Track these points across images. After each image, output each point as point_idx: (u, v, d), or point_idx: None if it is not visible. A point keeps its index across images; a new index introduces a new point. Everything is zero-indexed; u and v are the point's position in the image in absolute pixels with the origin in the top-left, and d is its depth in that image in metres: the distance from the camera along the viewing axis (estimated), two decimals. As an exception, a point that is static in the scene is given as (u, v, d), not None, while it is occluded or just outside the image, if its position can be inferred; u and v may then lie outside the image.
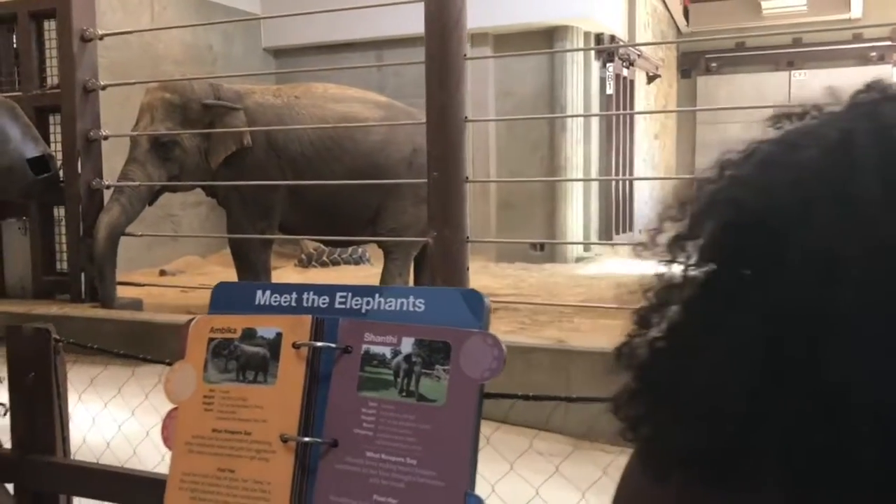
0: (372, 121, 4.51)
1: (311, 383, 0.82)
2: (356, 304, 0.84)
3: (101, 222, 4.15)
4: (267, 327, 0.85)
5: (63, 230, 4.36)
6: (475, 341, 0.78)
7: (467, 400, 0.75)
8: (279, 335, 0.84)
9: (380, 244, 4.84)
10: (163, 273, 6.93)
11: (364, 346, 0.80)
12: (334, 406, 0.80)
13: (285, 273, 6.91)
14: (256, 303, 0.89)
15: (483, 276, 6.28)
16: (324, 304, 0.86)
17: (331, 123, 4.40)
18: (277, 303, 0.88)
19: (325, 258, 7.24)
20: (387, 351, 0.79)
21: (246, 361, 0.85)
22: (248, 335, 0.86)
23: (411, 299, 0.81)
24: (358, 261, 7.29)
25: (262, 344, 0.85)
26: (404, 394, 0.78)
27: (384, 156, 4.56)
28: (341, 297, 0.86)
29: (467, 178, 3.38)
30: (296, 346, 0.83)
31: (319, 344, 0.82)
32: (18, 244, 4.37)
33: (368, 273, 6.72)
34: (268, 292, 0.89)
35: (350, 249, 7.11)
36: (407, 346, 0.79)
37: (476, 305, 0.81)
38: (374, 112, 4.62)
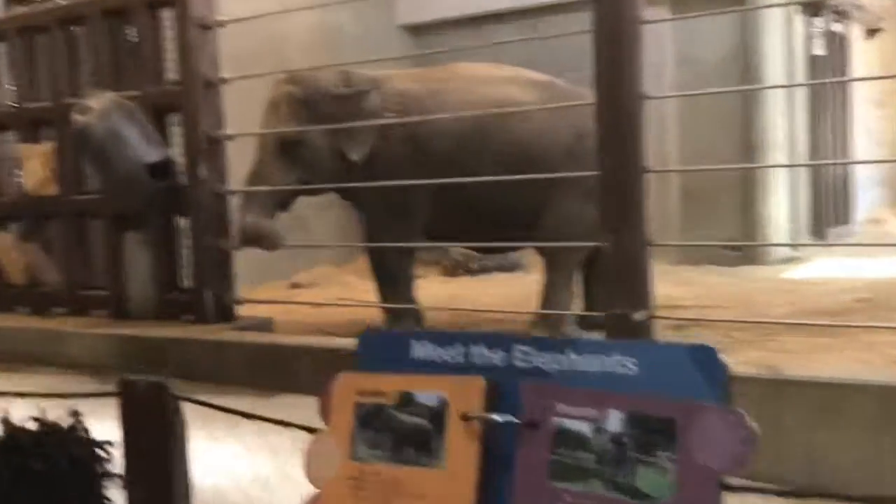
0: (530, 104, 4.45)
1: (486, 467, 0.72)
2: (541, 362, 0.74)
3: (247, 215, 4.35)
4: (428, 391, 0.76)
5: (186, 242, 4.51)
6: (712, 418, 0.66)
7: (703, 498, 0.64)
8: (443, 402, 0.76)
9: (539, 250, 4.77)
10: (295, 286, 7.13)
11: (555, 420, 0.70)
12: (518, 499, 0.70)
13: (429, 283, 6.95)
14: (413, 356, 0.80)
15: (664, 282, 6.03)
16: (499, 360, 0.76)
17: (482, 110, 4.36)
18: (440, 357, 0.79)
19: (473, 265, 7.29)
20: (586, 428, 0.69)
21: (402, 435, 0.77)
22: (405, 401, 0.78)
23: (617, 357, 0.70)
24: (512, 267, 7.29)
25: (421, 413, 0.77)
26: (612, 487, 0.68)
27: (542, 145, 4.48)
28: (522, 351, 0.76)
29: (646, 167, 3.22)
30: (465, 418, 0.74)
31: (496, 416, 0.73)
32: (139, 259, 4.56)
33: (524, 283, 6.65)
34: (427, 344, 0.81)
35: (501, 255, 7.10)
36: (615, 421, 0.69)
37: (710, 367, 0.69)
38: (532, 94, 4.55)
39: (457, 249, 7.22)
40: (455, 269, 7.35)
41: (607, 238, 3.20)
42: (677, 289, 5.85)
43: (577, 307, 4.72)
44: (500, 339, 0.78)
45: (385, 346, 0.83)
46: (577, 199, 4.44)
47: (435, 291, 6.42)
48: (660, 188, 6.65)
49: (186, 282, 4.53)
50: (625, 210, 3.19)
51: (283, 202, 4.56)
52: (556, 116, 4.48)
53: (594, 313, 4.35)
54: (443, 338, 0.82)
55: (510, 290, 6.35)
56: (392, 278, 4.63)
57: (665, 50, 6.83)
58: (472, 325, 4.98)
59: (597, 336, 3.74)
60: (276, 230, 4.44)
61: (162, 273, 4.54)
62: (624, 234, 3.18)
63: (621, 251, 3.18)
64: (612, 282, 3.23)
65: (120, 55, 4.65)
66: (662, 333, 4.16)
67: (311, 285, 7.23)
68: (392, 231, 4.56)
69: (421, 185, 4.37)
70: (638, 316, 3.13)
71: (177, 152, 4.48)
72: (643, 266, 3.18)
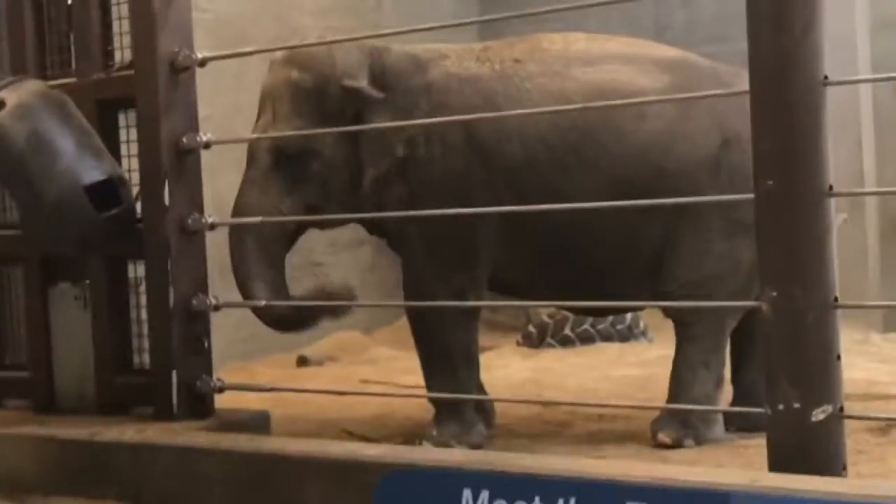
0: (652, 93, 4.44)
1: None
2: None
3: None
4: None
5: (143, 300, 4.50)
6: None
7: None
8: None
9: (667, 310, 4.74)
10: (303, 362, 7.19)
11: None
12: None
13: (502, 359, 6.97)
14: (462, 508, 0.72)
15: (859, 358, 6.00)
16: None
17: (578, 102, 4.38)
18: (504, 514, 0.70)
19: (568, 331, 7.35)
20: None
21: None
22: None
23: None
24: (626, 336, 7.37)
25: None
26: None
27: (672, 156, 4.49)
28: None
29: (831, 188, 3.13)
30: None
31: None
32: (75, 324, 4.54)
33: (645, 359, 6.61)
34: (484, 494, 0.73)
35: (611, 318, 7.15)
36: None
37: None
38: (656, 78, 4.56)
39: (544, 310, 7.27)
40: (541, 338, 7.41)
41: (769, 295, 3.11)
42: (881, 368, 5.74)
43: (725, 397, 4.67)
44: (604, 490, 0.70)
45: (418, 490, 0.76)
46: (724, 236, 4.47)
47: (511, 371, 6.44)
48: (850, 221, 6.54)
49: (142, 358, 4.51)
50: (796, 252, 3.10)
51: (285, 238, 4.62)
52: (693, 112, 4.49)
53: (750, 409, 4.26)
54: (510, 482, 0.74)
55: (623, 370, 6.37)
56: (445, 351, 4.64)
57: (856, 12, 6.75)
58: (564, 425, 4.97)
59: (756, 441, 3.63)
60: (343, 291, 4.70)
61: (107, 345, 4.51)
62: (795, 288, 3.08)
63: (791, 315, 3.09)
64: (776, 360, 3.13)
65: (49, 26, 4.68)
66: (857, 439, 4.04)
67: (326, 361, 7.31)
68: (445, 282, 4.58)
69: (486, 216, 4.37)
70: (819, 413, 3.04)
71: (130, 168, 4.49)
72: (826, 336, 3.08)
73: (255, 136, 4.58)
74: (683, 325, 4.61)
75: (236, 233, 4.57)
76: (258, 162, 4.56)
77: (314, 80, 4.55)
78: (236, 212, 4.58)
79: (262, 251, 4.55)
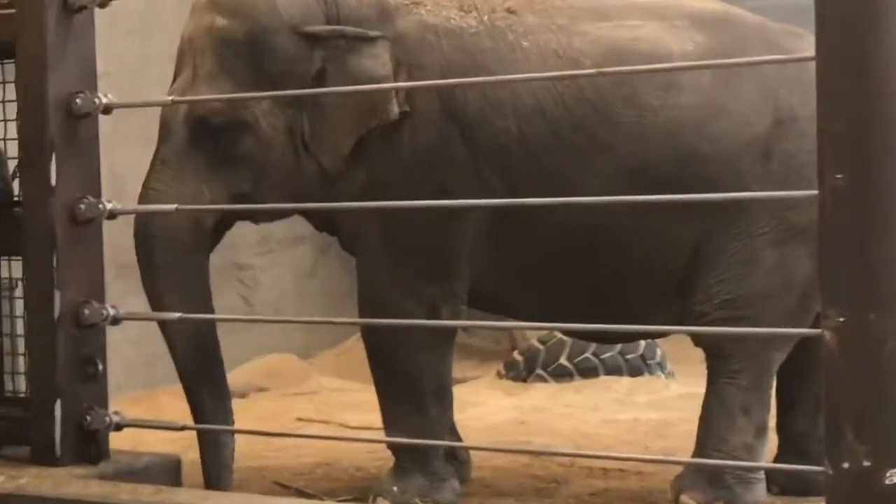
0: (683, 57, 4.46)
1: None
2: None
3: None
4: None
5: (18, 310, 4.47)
6: None
7: None
8: None
9: (697, 338, 4.75)
10: (223, 393, 7.13)
11: None
12: None
13: (480, 394, 6.97)
14: None
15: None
16: None
17: (589, 67, 4.39)
18: None
19: (564, 361, 7.36)
20: None
21: None
22: None
23: None
24: (638, 368, 7.41)
25: None
26: None
27: (708, 138, 4.50)
28: None
29: (918, 185, 3.12)
30: None
31: None
32: (-71, 338, 4.51)
33: (663, 398, 6.61)
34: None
35: (620, 347, 7.22)
36: None
37: None
38: (690, 38, 4.57)
39: (533, 332, 7.33)
40: (529, 369, 7.43)
41: (833, 320, 3.10)
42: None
43: (768, 450, 4.67)
44: None
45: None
46: (774, 242, 4.49)
47: (490, 411, 6.43)
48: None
49: (16, 384, 4.48)
50: (871, 265, 3.08)
51: (204, 234, 4.59)
52: (737, 84, 4.50)
53: (803, 467, 4.26)
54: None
55: (634, 412, 6.40)
56: (410, 384, 4.62)
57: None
58: (558, 482, 4.96)
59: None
60: None
61: (-31, 366, 4.48)
62: (868, 311, 3.07)
63: (862, 345, 3.07)
64: (841, 405, 3.12)
65: None
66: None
67: (252, 392, 7.29)
68: (413, 294, 4.57)
69: (468, 210, 4.40)
70: (895, 475, 3.03)
71: (6, 135, 4.46)
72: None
73: (169, 98, 4.50)
74: (719, 357, 4.61)
75: (143, 228, 4.53)
76: (173, 136, 4.51)
77: (247, 30, 4.48)
78: (143, 201, 4.54)
79: (174, 256, 4.53)
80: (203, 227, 4.54)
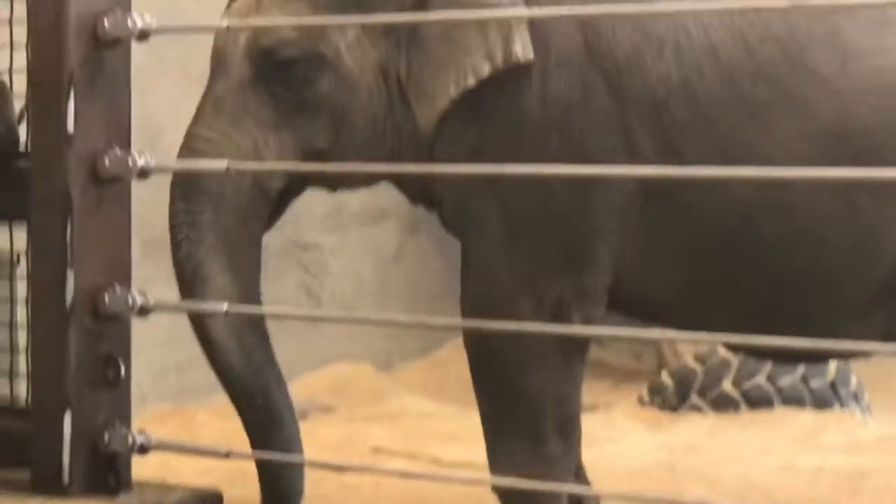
0: None
1: None
2: None
3: (198, 273, 4.41)
4: None
5: (20, 292, 4.52)
6: None
7: None
8: None
9: None
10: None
11: None
12: None
13: (615, 424, 6.96)
14: None
15: None
16: None
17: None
18: None
19: (728, 387, 7.35)
20: None
21: None
22: None
23: None
24: (827, 399, 7.34)
25: None
26: None
27: None
28: None
29: None
30: None
31: None
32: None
33: (862, 440, 6.58)
34: None
35: (803, 370, 7.17)
36: None
37: None
38: None
39: (688, 348, 7.38)
40: (682, 395, 7.42)
41: None
42: None
43: None
44: None
45: None
46: None
47: (630, 448, 6.43)
48: None
49: (16, 389, 4.54)
50: None
51: (267, 202, 4.61)
52: None
53: None
54: None
55: (822, 458, 6.34)
56: (527, 409, 4.63)
57: None
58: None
59: None
60: None
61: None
62: None
63: None
64: None
65: None
66: None
67: (315, 411, 7.36)
68: (535, 290, 4.57)
69: (613, 181, 4.42)
70: None
71: (11, 67, 4.52)
72: None
73: (224, 24, 4.52)
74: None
75: (183, 188, 4.52)
76: (230, 71, 4.48)
77: None
78: (187, 151, 4.51)
79: (225, 226, 4.52)
80: (266, 190, 4.54)
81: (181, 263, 4.54)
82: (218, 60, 4.55)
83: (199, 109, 4.55)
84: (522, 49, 4.36)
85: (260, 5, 4.47)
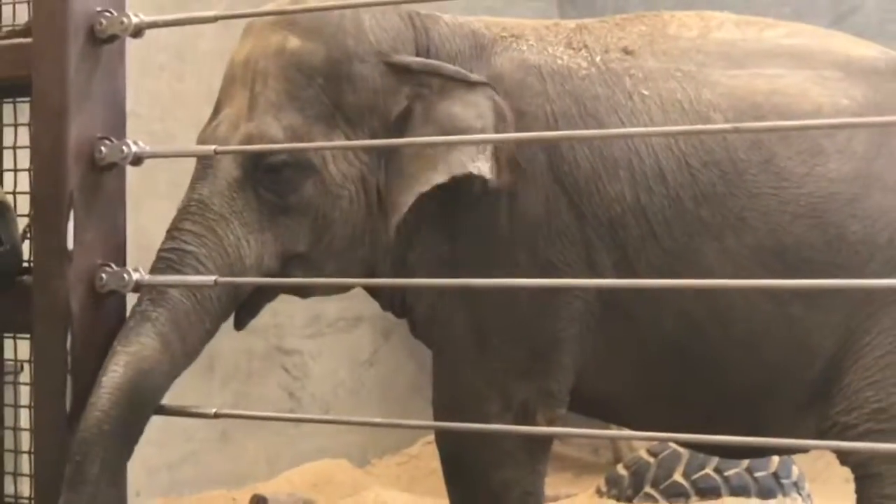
0: (835, 114, 4.45)
1: None
2: None
3: (110, 365, 4.26)
4: None
5: (24, 398, 4.49)
6: None
7: None
8: None
9: (843, 455, 4.72)
10: (260, 504, 7.14)
11: None
12: None
13: None
14: None
15: None
16: None
17: (721, 122, 4.41)
18: None
19: (679, 478, 7.35)
20: None
21: None
22: None
23: None
24: (770, 489, 7.35)
25: None
26: None
27: (860, 215, 4.49)
28: None
29: None
30: None
31: None
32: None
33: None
34: None
35: (748, 463, 7.19)
36: None
37: None
38: (843, 91, 4.56)
39: (642, 443, 7.37)
40: (636, 486, 7.40)
41: None
42: None
43: None
44: None
45: None
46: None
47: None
48: None
49: (18, 487, 4.49)
50: None
51: (239, 302, 4.47)
52: (896, 149, 4.50)
53: None
54: None
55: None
56: (492, 500, 4.62)
57: None
58: None
59: None
60: None
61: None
62: None
63: None
64: None
65: None
66: None
67: (299, 504, 7.26)
68: (503, 394, 4.55)
69: (574, 293, 4.41)
70: None
71: (16, 188, 4.49)
72: None
73: (212, 148, 4.45)
74: (869, 478, 4.57)
75: (158, 293, 4.26)
76: (218, 174, 4.35)
77: (328, 53, 4.42)
78: (170, 249, 4.34)
79: (186, 319, 4.25)
80: (239, 292, 4.39)
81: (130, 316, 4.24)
82: (204, 164, 4.42)
83: (184, 207, 4.40)
84: (485, 166, 4.33)
85: (253, 113, 4.42)
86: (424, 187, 4.37)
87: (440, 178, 4.36)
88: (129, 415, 4.10)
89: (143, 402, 4.15)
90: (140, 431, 4.23)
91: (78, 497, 3.99)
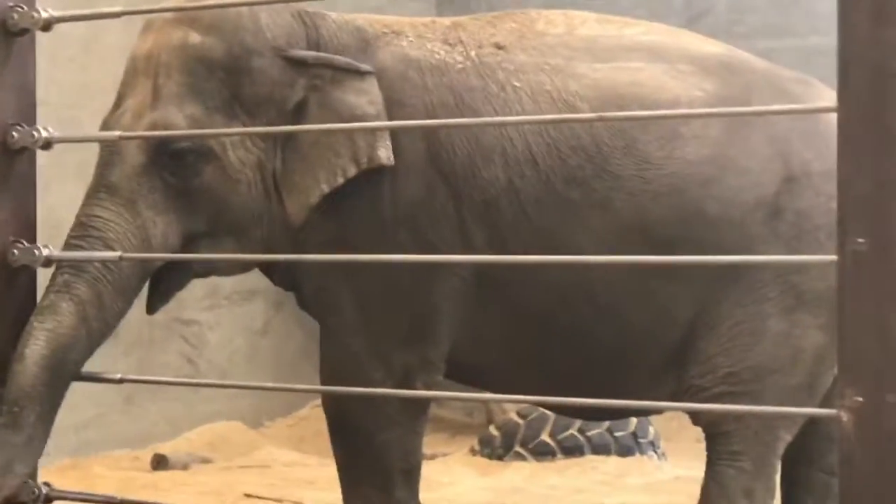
0: (689, 104, 4.49)
1: None
2: None
3: (31, 338, 4.21)
4: None
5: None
6: None
7: None
8: None
9: (695, 416, 4.75)
10: (160, 463, 7.13)
11: None
12: None
13: (450, 471, 6.96)
14: None
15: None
16: None
17: (586, 111, 4.43)
18: None
19: (546, 437, 7.41)
20: None
21: None
22: None
23: None
24: (629, 447, 7.42)
25: None
26: None
27: (715, 195, 4.53)
28: None
29: (950, 252, 3.15)
30: None
31: None
32: None
33: (657, 480, 6.63)
34: None
35: (608, 424, 7.24)
36: None
37: None
38: (696, 83, 4.59)
39: (512, 405, 7.43)
40: (507, 446, 7.44)
41: (852, 400, 3.12)
42: None
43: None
44: None
45: None
46: (782, 311, 4.50)
47: (463, 492, 6.41)
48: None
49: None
50: (893, 342, 3.10)
51: (157, 289, 4.50)
52: (746, 135, 4.53)
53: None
54: None
55: (624, 496, 6.41)
56: (377, 461, 4.61)
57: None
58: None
59: None
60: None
61: None
62: (887, 392, 3.08)
63: (884, 429, 3.08)
64: (859, 494, 3.13)
65: None
66: None
67: (193, 463, 7.31)
68: (384, 361, 4.56)
69: (449, 268, 4.42)
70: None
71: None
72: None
73: (116, 133, 4.42)
74: (718, 436, 4.60)
75: (72, 269, 4.26)
76: (124, 160, 4.34)
77: (228, 48, 4.43)
78: (81, 228, 4.34)
79: (96, 294, 4.25)
80: (145, 267, 4.38)
81: (46, 293, 4.25)
82: (110, 150, 4.40)
83: (93, 192, 4.40)
84: (385, 154, 4.37)
85: (156, 103, 4.40)
86: (339, 178, 4.42)
87: (351, 168, 4.41)
88: (53, 382, 4.12)
89: (63, 373, 4.16)
90: (61, 398, 4.24)
91: (17, 438, 4.03)
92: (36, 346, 4.10)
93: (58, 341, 4.14)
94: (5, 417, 4.06)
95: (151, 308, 4.55)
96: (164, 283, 4.52)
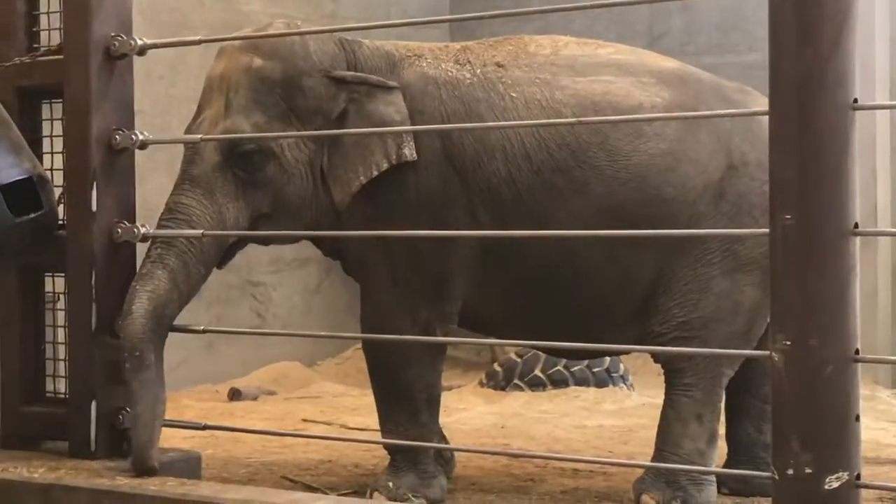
0: (651, 109, 4.47)
1: None
2: None
3: (135, 298, 4.23)
4: None
5: (60, 320, 4.44)
6: None
7: None
8: None
9: (656, 355, 4.76)
10: (235, 395, 7.11)
11: None
12: None
13: (463, 399, 6.96)
14: None
15: (866, 416, 5.99)
16: None
17: (569, 116, 4.40)
18: None
19: (538, 372, 7.38)
20: None
21: None
22: None
23: None
24: (604, 380, 7.39)
25: None
26: None
27: (671, 181, 4.51)
28: None
29: (856, 226, 3.11)
30: None
31: None
32: (-19, 344, 4.47)
33: (626, 408, 6.62)
34: None
35: (587, 361, 7.20)
36: None
37: None
38: (656, 92, 4.56)
39: (512, 347, 7.33)
40: (507, 379, 7.42)
41: (781, 344, 3.08)
42: (887, 431, 5.74)
43: (720, 456, 4.67)
44: None
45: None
46: (724, 272, 4.50)
47: (473, 416, 6.41)
48: (861, 265, 6.59)
49: (57, 386, 4.44)
50: (815, 297, 3.07)
51: (223, 253, 4.48)
52: (697, 133, 4.53)
53: (753, 472, 4.26)
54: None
55: (600, 419, 6.39)
56: (406, 392, 4.61)
57: (875, 32, 6.77)
58: (534, 480, 4.95)
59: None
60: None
61: (15, 369, 4.45)
62: (811, 337, 3.05)
63: (806, 367, 3.05)
64: (787, 419, 3.10)
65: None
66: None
67: (261, 395, 7.27)
68: (411, 315, 4.58)
69: (461, 241, 4.42)
70: (833, 480, 3.00)
71: (52, 166, 4.44)
72: (845, 394, 3.05)
73: (199, 136, 4.43)
74: (674, 371, 4.59)
75: (162, 244, 4.31)
76: (203, 158, 4.40)
77: (284, 70, 4.47)
78: (170, 214, 4.39)
79: (184, 264, 4.31)
80: (223, 243, 4.45)
81: (144, 262, 4.28)
82: (193, 150, 4.45)
83: (179, 184, 4.44)
84: (410, 152, 4.41)
85: (228, 114, 4.46)
86: (374, 171, 4.45)
87: (383, 163, 4.44)
88: (157, 331, 4.20)
89: (163, 325, 4.23)
90: (163, 345, 4.31)
91: (145, 376, 4.11)
92: (140, 303, 4.17)
93: (157, 300, 4.19)
94: (130, 362, 4.12)
95: (221, 264, 4.56)
96: (232, 247, 4.53)
